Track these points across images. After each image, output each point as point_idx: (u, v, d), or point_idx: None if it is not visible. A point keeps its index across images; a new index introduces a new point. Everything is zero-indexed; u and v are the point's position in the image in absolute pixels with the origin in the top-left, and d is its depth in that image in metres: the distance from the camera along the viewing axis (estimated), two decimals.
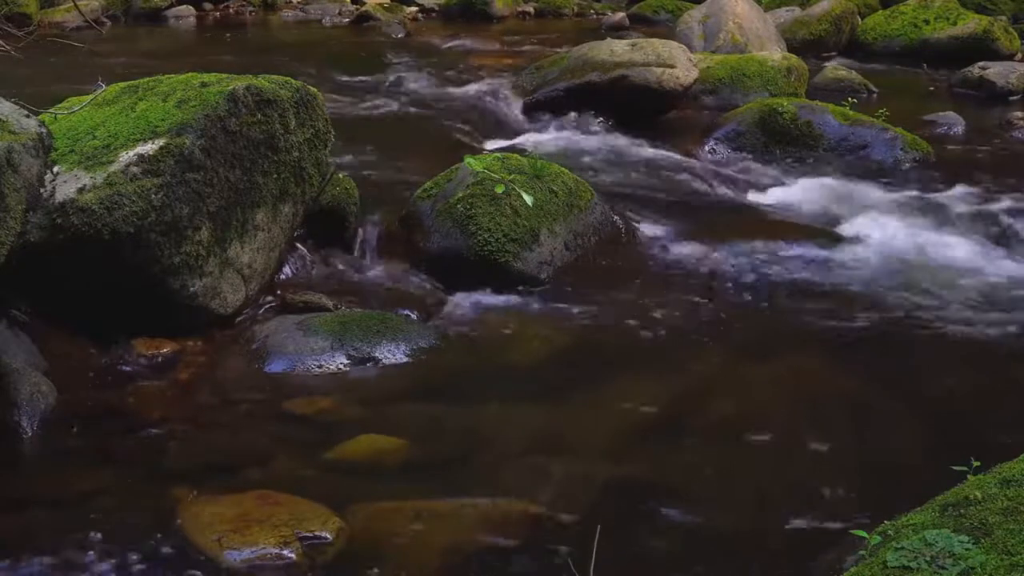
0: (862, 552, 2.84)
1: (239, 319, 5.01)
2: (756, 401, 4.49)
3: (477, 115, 8.56)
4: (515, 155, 6.31)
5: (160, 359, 4.63)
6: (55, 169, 4.55)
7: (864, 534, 2.88)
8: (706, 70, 8.81)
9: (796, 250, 6.00)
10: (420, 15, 14.45)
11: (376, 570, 3.38)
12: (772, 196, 7.04)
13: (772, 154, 7.70)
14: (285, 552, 3.37)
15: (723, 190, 7.14)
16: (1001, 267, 5.90)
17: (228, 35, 13.14)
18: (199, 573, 3.31)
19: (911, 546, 2.66)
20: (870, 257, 5.95)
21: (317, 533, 3.46)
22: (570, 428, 4.29)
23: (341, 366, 4.65)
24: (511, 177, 5.60)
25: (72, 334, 4.62)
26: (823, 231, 6.32)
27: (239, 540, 3.40)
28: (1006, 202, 6.93)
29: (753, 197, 7.05)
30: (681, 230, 6.22)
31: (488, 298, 5.36)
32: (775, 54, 9.41)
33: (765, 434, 4.20)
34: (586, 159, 7.47)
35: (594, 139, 7.95)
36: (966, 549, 2.61)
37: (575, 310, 5.30)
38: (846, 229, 6.37)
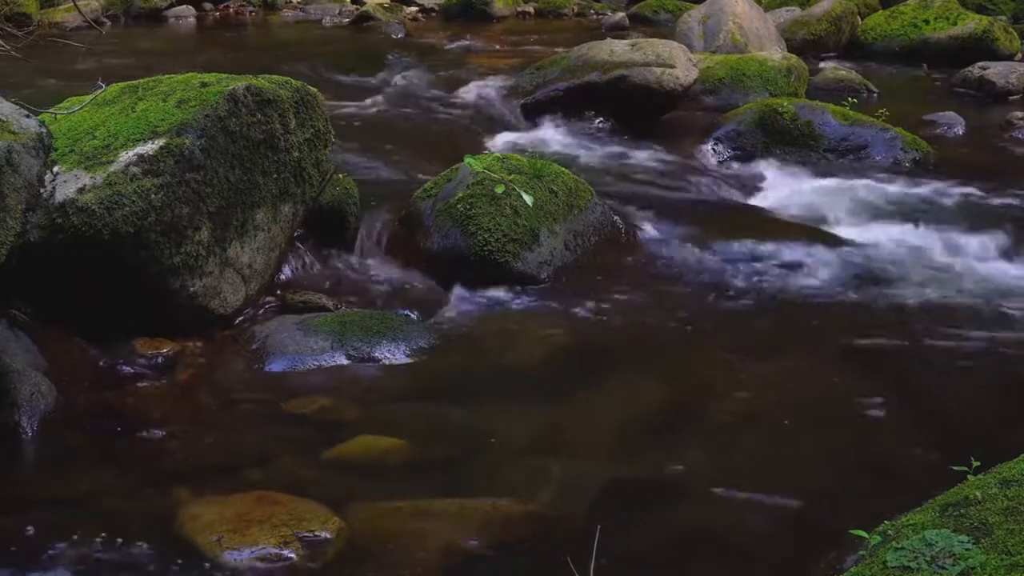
0: (862, 552, 2.84)
1: (239, 319, 5.00)
2: (756, 401, 4.49)
3: (477, 115, 8.56)
4: (515, 155, 6.31)
5: (160, 359, 4.62)
6: (55, 169, 4.55)
7: (864, 534, 2.88)
8: (706, 70, 8.81)
9: (796, 250, 6.00)
10: (420, 15, 14.45)
11: (376, 570, 3.38)
12: (772, 196, 7.04)
13: (772, 154, 7.70)
14: (285, 552, 3.37)
15: (723, 190, 7.14)
16: (1001, 267, 5.91)
17: (228, 35, 13.15)
18: (199, 573, 3.31)
19: (911, 546, 2.66)
20: (870, 257, 5.95)
21: (317, 533, 3.45)
22: (570, 428, 4.29)
23: (341, 366, 4.65)
24: (511, 177, 5.60)
25: (72, 334, 4.62)
26: (823, 231, 6.33)
27: (239, 540, 3.40)
28: (1006, 202, 6.94)
29: (753, 197, 7.05)
30: (681, 230, 6.22)
31: (488, 298, 5.36)
32: (775, 54, 9.41)
33: (765, 434, 4.20)
34: (586, 159, 7.47)
35: (594, 139, 7.95)
36: (966, 549, 2.61)
37: (575, 310, 5.30)
38: (846, 229, 6.37)
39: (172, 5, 13.81)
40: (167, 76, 5.24)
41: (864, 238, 6.22)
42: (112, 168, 4.57)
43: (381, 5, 14.37)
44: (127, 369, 4.56)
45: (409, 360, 4.74)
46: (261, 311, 5.11)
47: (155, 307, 4.72)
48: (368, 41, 12.77)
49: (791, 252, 5.97)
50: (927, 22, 11.61)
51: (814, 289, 5.59)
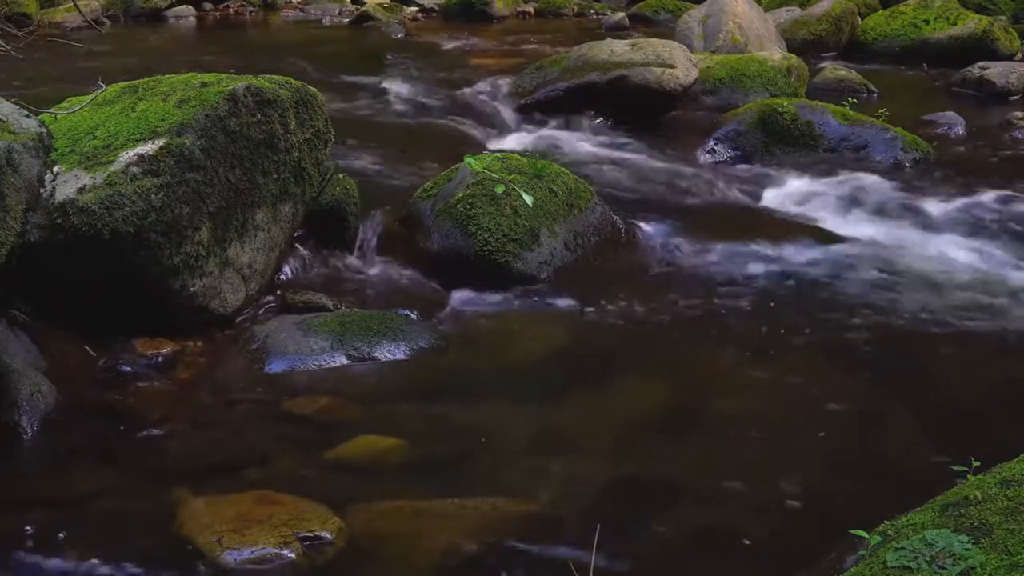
0: (862, 552, 2.84)
1: (239, 319, 5.00)
2: (756, 401, 4.49)
3: (477, 115, 8.56)
4: (515, 155, 6.30)
5: (160, 359, 4.63)
6: (55, 169, 4.55)
7: (864, 534, 2.88)
8: (706, 70, 8.80)
9: (796, 250, 6.00)
10: (420, 15, 14.45)
11: (376, 570, 3.38)
12: (772, 196, 7.03)
13: (772, 154, 7.70)
14: (285, 552, 3.37)
15: (723, 190, 7.14)
16: (1001, 267, 5.90)
17: (228, 35, 13.15)
18: (199, 573, 3.31)
19: (911, 546, 2.66)
20: (870, 257, 5.95)
21: (317, 533, 3.46)
22: (570, 428, 4.29)
23: (341, 366, 4.65)
24: (511, 177, 5.60)
25: (72, 334, 4.62)
26: (823, 231, 6.32)
27: (239, 540, 3.40)
28: (1006, 202, 6.93)
29: (753, 197, 7.05)
30: (681, 230, 6.22)
31: (488, 298, 5.36)
32: (775, 54, 9.41)
33: (765, 434, 4.20)
34: (586, 159, 7.46)
35: (594, 139, 7.95)
36: (966, 549, 2.61)
37: (575, 310, 5.30)
38: (846, 229, 6.37)
39: (172, 5, 13.80)
40: (167, 76, 5.24)
41: (864, 238, 6.22)
42: (112, 168, 4.57)
43: (381, 5, 14.37)
44: (127, 369, 4.56)
45: (409, 360, 4.74)
46: (261, 311, 5.11)
47: (155, 307, 4.72)
48: (368, 41, 12.77)
49: (791, 252, 5.97)
50: (927, 22, 11.60)
51: (814, 289, 5.59)
